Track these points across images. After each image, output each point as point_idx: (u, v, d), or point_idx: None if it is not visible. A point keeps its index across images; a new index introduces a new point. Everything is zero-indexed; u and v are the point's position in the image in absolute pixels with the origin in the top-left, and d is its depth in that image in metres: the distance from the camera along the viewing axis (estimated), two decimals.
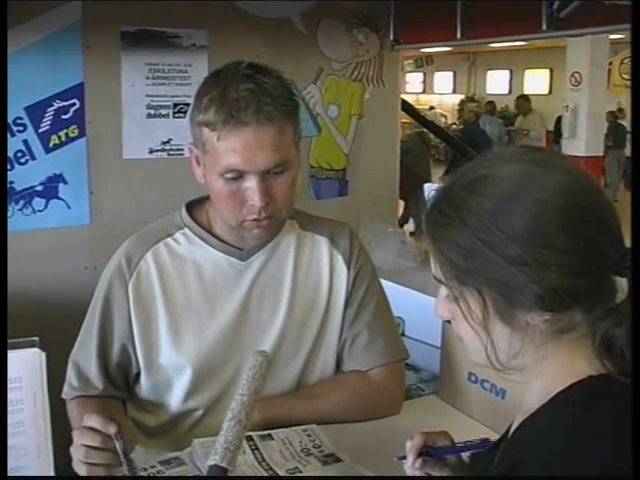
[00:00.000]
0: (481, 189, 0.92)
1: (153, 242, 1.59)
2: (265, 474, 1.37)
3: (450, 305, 0.98)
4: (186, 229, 1.60)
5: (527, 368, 0.96)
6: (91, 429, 1.26)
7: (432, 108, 18.91)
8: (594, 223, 0.90)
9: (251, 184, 1.44)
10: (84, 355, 1.59)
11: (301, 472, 1.38)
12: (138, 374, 1.60)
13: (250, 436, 1.43)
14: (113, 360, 1.58)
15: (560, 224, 0.88)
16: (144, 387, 1.60)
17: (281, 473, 1.37)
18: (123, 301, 1.56)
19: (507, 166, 0.93)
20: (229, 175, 1.44)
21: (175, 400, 1.59)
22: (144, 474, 1.35)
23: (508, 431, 1.03)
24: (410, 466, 1.20)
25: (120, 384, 1.61)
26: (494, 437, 1.10)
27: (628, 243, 0.92)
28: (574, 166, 0.95)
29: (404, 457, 1.21)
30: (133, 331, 1.56)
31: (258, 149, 1.41)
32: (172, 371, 1.57)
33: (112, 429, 1.25)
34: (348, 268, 1.64)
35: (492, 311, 0.93)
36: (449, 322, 1.66)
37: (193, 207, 1.62)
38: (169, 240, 1.59)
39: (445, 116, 18.79)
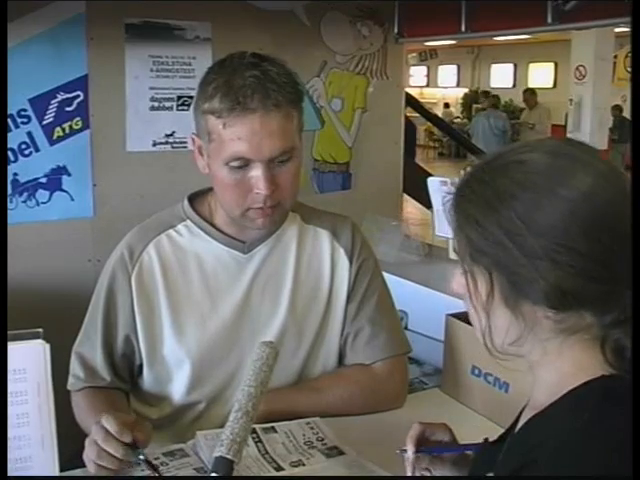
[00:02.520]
0: (513, 174, 0.91)
1: (155, 234, 1.59)
2: (268, 466, 1.37)
3: (463, 281, 0.97)
4: (188, 221, 1.60)
5: (528, 358, 0.96)
6: (111, 434, 1.27)
7: (447, 106, 18.88)
8: (617, 233, 0.88)
9: (257, 173, 1.43)
10: (89, 347, 1.59)
11: (304, 465, 1.39)
12: (141, 366, 1.60)
13: (253, 429, 1.42)
14: (118, 351, 1.58)
15: (582, 227, 0.87)
16: (147, 379, 1.61)
17: (284, 466, 1.38)
18: (126, 293, 1.56)
19: (543, 156, 0.92)
20: (235, 163, 1.43)
21: (177, 393, 1.59)
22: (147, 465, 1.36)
23: (514, 425, 1.03)
24: (410, 458, 1.21)
25: (125, 376, 1.61)
26: (497, 430, 1.10)
27: None
28: (612, 170, 0.92)
29: (406, 450, 1.21)
30: (136, 322, 1.56)
31: (264, 136, 1.41)
32: (174, 363, 1.58)
33: (126, 438, 1.27)
34: (350, 262, 1.64)
35: (498, 295, 0.92)
36: (453, 316, 1.68)
37: (195, 199, 1.62)
38: (171, 232, 1.59)
39: (459, 117, 18.76)
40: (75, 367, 1.59)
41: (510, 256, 0.89)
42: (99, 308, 1.58)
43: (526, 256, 0.88)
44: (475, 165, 0.97)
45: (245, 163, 1.43)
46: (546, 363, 0.94)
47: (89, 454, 1.27)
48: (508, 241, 0.89)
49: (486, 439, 1.19)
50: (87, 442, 1.28)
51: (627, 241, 0.88)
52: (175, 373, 1.58)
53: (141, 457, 1.28)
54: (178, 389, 1.59)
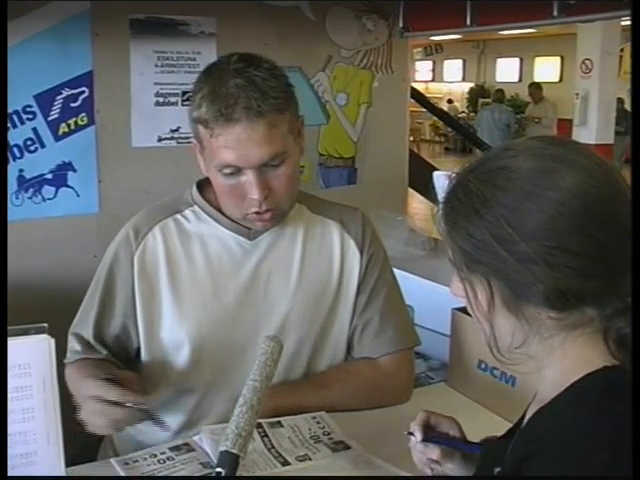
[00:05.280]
0: (498, 181, 0.91)
1: (162, 217, 1.60)
2: (275, 461, 1.37)
3: (461, 285, 0.97)
4: (195, 207, 1.61)
5: (535, 359, 0.96)
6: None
7: (450, 101, 18.83)
8: (609, 228, 0.88)
9: (248, 178, 1.45)
10: (83, 323, 1.59)
11: (310, 459, 1.39)
12: (139, 350, 1.60)
13: (259, 423, 1.42)
14: (110, 330, 1.58)
15: (573, 227, 0.87)
16: (144, 362, 1.60)
17: (290, 460, 1.38)
18: (128, 272, 1.56)
19: (527, 160, 0.91)
20: (226, 170, 1.45)
21: (175, 377, 1.58)
22: (154, 459, 1.36)
23: (521, 420, 1.02)
24: (417, 444, 1.21)
25: (120, 355, 1.60)
26: (504, 425, 1.09)
27: None
28: (598, 164, 0.92)
29: (412, 433, 1.21)
30: (135, 303, 1.56)
31: (250, 144, 1.41)
32: (173, 345, 1.57)
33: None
34: (361, 253, 1.64)
35: (498, 301, 0.92)
36: (459, 310, 1.68)
37: (203, 185, 1.63)
38: (178, 216, 1.60)
39: (465, 111, 18.71)
40: (72, 344, 1.59)
41: (505, 263, 0.89)
42: (98, 286, 1.59)
43: (521, 262, 0.88)
44: (459, 174, 0.96)
45: (237, 169, 1.44)
46: (546, 358, 0.94)
47: (95, 409, 1.29)
48: (501, 248, 0.89)
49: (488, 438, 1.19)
50: (86, 401, 1.31)
51: (620, 234, 0.88)
52: (174, 355, 1.58)
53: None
54: (176, 372, 1.58)
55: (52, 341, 1.17)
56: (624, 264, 0.88)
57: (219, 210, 1.58)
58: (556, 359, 0.93)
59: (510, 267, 0.89)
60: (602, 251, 0.88)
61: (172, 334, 1.57)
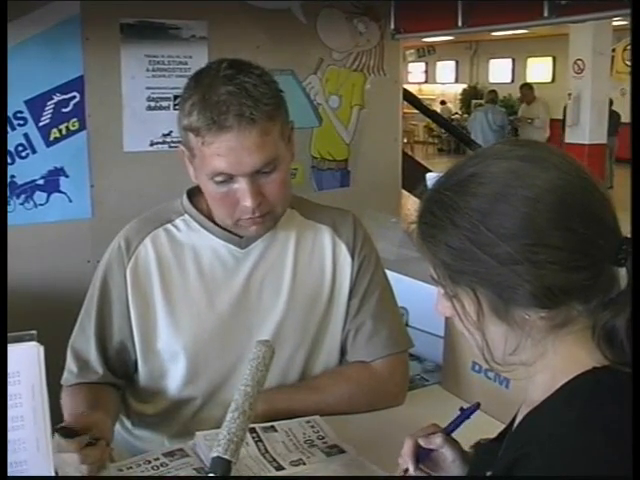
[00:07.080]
0: (469, 189, 0.91)
1: (153, 227, 1.59)
2: (269, 466, 1.36)
3: (448, 303, 0.97)
4: (186, 215, 1.60)
5: (527, 364, 0.95)
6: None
7: (444, 103, 18.83)
8: (586, 219, 0.89)
9: (241, 186, 1.44)
10: (83, 339, 1.59)
11: (305, 464, 1.38)
12: (136, 362, 1.60)
13: (253, 428, 1.42)
14: (112, 344, 1.58)
15: (551, 221, 0.87)
16: (142, 374, 1.60)
17: (285, 465, 1.37)
18: (121, 285, 1.56)
19: (495, 164, 0.92)
20: (218, 178, 1.44)
21: (172, 387, 1.59)
22: (148, 466, 1.35)
23: (512, 423, 1.02)
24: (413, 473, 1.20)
25: (118, 370, 1.60)
26: (498, 426, 1.09)
27: (625, 230, 0.91)
28: (565, 160, 0.93)
29: (407, 469, 1.20)
30: (130, 316, 1.56)
31: (243, 152, 1.41)
32: (168, 358, 1.57)
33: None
34: (352, 258, 1.64)
35: (487, 310, 0.92)
36: None
37: (194, 194, 1.62)
38: (169, 226, 1.60)
39: (458, 113, 18.72)
40: (70, 362, 1.59)
41: (488, 268, 0.89)
42: (94, 301, 1.59)
43: (504, 264, 0.88)
44: (429, 190, 0.96)
45: (229, 177, 1.44)
46: (537, 362, 0.94)
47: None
48: (482, 253, 0.89)
49: (461, 408, 1.19)
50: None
51: (597, 224, 0.89)
52: (170, 367, 1.58)
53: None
54: (173, 383, 1.58)
55: (41, 349, 1.16)
56: (604, 253, 0.89)
57: (210, 219, 1.58)
58: (548, 362, 0.93)
59: (494, 271, 0.89)
60: (582, 242, 0.88)
61: (168, 345, 1.56)
